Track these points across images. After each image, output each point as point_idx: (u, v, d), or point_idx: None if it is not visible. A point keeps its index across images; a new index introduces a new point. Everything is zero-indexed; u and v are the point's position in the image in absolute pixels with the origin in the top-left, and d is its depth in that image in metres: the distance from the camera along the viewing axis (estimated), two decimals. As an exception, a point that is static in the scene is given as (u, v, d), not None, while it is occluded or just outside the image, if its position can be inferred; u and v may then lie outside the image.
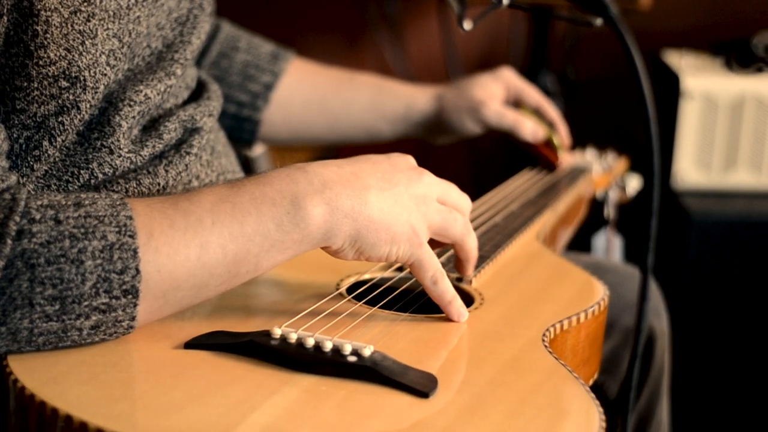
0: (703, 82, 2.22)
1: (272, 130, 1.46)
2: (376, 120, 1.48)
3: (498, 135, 1.50)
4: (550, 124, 1.52)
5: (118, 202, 0.85)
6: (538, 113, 1.52)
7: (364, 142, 1.51)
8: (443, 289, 0.96)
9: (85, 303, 0.82)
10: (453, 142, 1.56)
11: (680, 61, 2.35)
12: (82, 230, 0.82)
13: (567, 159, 1.52)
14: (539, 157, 1.50)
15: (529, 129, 1.47)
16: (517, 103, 1.51)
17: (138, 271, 0.83)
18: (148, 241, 0.84)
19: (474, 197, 1.32)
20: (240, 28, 1.50)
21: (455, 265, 1.04)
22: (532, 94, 1.51)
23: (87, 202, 0.84)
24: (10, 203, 0.82)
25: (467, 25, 1.19)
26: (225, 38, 1.42)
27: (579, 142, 1.55)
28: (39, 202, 0.83)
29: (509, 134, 1.48)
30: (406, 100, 1.48)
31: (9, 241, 0.80)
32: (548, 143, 1.49)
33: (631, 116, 2.64)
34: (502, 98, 1.50)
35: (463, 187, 1.01)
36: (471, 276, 1.05)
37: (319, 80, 1.48)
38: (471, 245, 1.01)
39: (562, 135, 1.52)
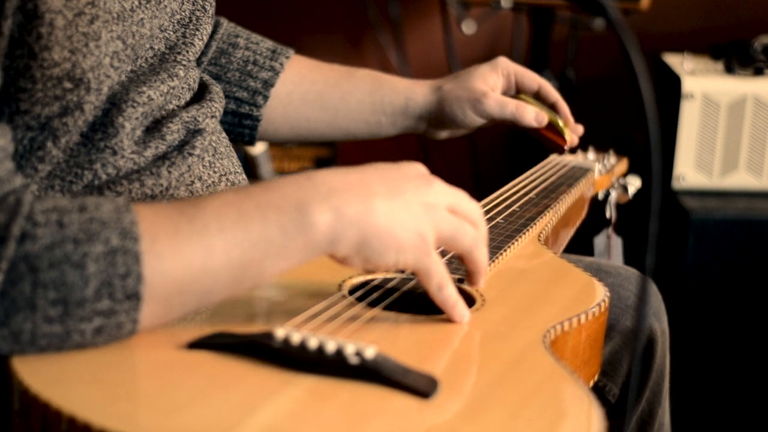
0: (703, 83, 2.22)
1: (272, 126, 1.45)
2: (376, 113, 1.47)
3: (500, 132, 1.49)
4: (552, 107, 1.50)
5: (122, 207, 0.85)
6: (538, 98, 1.50)
7: (365, 137, 1.50)
8: (448, 294, 0.96)
9: (88, 307, 0.82)
10: (453, 137, 1.55)
11: (681, 63, 2.35)
12: (86, 234, 0.82)
13: (574, 138, 1.51)
14: (546, 141, 1.49)
15: (532, 115, 1.45)
16: (517, 90, 1.51)
17: (141, 275, 0.83)
18: (152, 246, 0.84)
19: (475, 199, 1.32)
20: (241, 27, 1.49)
21: (465, 274, 1.03)
22: (531, 77, 1.50)
23: (91, 206, 0.84)
24: (14, 206, 0.82)
25: (467, 29, 1.19)
26: (224, 35, 1.42)
27: (580, 143, 1.54)
28: (43, 206, 0.83)
29: (513, 123, 1.46)
30: (406, 93, 1.47)
31: (12, 244, 0.80)
32: (552, 127, 1.48)
33: (633, 118, 2.64)
34: (501, 87, 1.49)
35: (464, 189, 1.00)
36: (480, 286, 1.04)
37: (317, 76, 1.47)
38: (480, 257, 0.99)
39: (565, 115, 1.51)
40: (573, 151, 1.58)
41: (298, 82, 1.45)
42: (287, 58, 1.46)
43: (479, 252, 0.99)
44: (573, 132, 1.51)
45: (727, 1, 2.79)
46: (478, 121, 1.46)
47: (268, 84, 1.42)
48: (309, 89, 1.46)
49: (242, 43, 1.42)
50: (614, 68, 2.80)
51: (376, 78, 1.49)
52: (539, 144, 1.51)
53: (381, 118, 1.47)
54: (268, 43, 1.45)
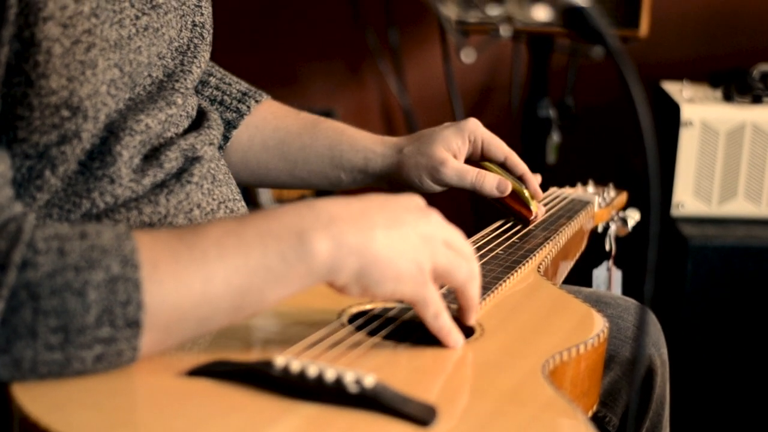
0: (702, 111, 2.23)
1: (232, 169, 1.39)
2: (336, 169, 1.43)
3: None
4: (520, 178, 1.43)
5: (123, 234, 0.85)
6: (504, 167, 1.44)
7: (327, 189, 1.47)
8: (443, 322, 0.96)
9: (89, 334, 0.82)
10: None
11: (680, 91, 2.36)
12: (87, 262, 0.82)
13: (541, 211, 1.44)
14: (511, 212, 1.42)
15: (494, 184, 1.39)
16: (482, 157, 1.43)
17: (141, 303, 0.83)
18: (153, 273, 0.84)
19: (475, 230, 1.32)
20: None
21: (457, 310, 1.03)
22: (498, 146, 1.43)
23: (92, 233, 0.84)
24: (15, 233, 0.82)
25: (467, 57, 1.19)
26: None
27: (579, 171, 1.55)
28: (44, 233, 0.83)
29: (473, 192, 1.40)
30: (365, 152, 1.42)
31: (13, 271, 0.80)
32: (517, 196, 1.41)
33: (632, 145, 2.65)
34: (465, 153, 1.42)
35: (465, 220, 1.01)
36: (471, 323, 1.03)
37: (281, 124, 1.44)
38: (473, 293, 1.00)
39: (532, 187, 1.44)
40: (543, 189, 1.51)
41: (261, 127, 1.43)
42: (257, 101, 1.43)
43: (472, 287, 0.99)
44: (536, 194, 1.44)
45: (726, 30, 2.80)
46: (435, 188, 1.41)
47: (231, 125, 1.40)
48: (271, 136, 1.43)
49: (213, 81, 1.41)
50: (613, 96, 2.81)
51: (339, 133, 1.44)
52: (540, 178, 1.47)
53: (340, 173, 1.43)
54: (241, 86, 1.43)
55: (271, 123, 1.43)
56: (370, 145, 1.43)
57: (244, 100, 1.41)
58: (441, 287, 1.01)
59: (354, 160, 1.42)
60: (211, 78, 1.41)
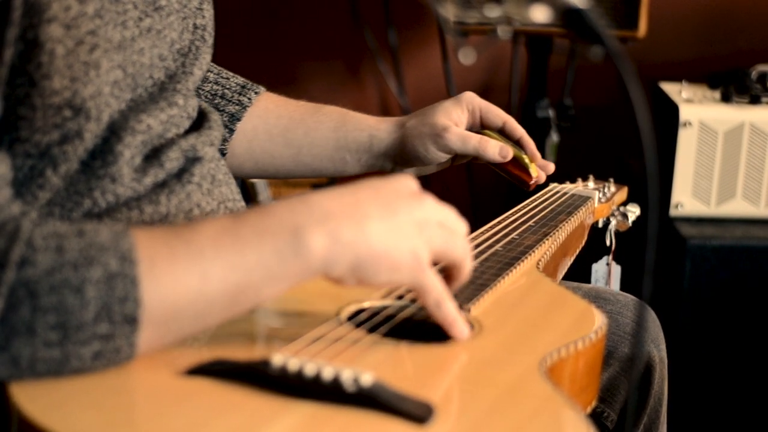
0: (700, 111, 2.23)
1: (236, 161, 1.44)
2: (340, 150, 1.46)
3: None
4: (518, 143, 1.49)
5: (120, 232, 0.86)
6: (503, 134, 1.49)
7: (330, 174, 1.49)
8: (447, 311, 0.97)
9: (87, 331, 0.82)
10: (422, 174, 1.52)
11: (678, 92, 2.36)
12: (85, 259, 0.83)
13: (541, 175, 1.49)
14: (512, 177, 1.47)
15: (496, 150, 1.44)
16: (482, 126, 1.49)
17: (139, 299, 0.84)
18: (150, 270, 0.85)
19: (474, 227, 1.33)
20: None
21: (447, 281, 1.03)
22: (496, 113, 1.48)
23: (90, 231, 0.85)
24: (13, 231, 0.82)
25: (466, 58, 1.19)
26: None
27: (578, 171, 1.55)
28: (42, 231, 0.83)
29: (477, 157, 1.45)
30: (370, 130, 1.45)
31: (12, 269, 0.81)
32: (518, 162, 1.46)
33: (630, 146, 2.65)
34: (465, 123, 1.47)
35: (463, 218, 1.01)
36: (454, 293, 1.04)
37: (283, 111, 1.46)
38: (465, 270, 1.01)
39: (531, 151, 1.49)
40: (543, 185, 1.56)
41: (263, 116, 1.45)
42: (256, 93, 1.46)
43: (465, 265, 1.00)
44: (543, 169, 1.50)
45: (725, 31, 2.80)
46: (441, 156, 1.45)
47: (235, 118, 1.41)
48: (274, 124, 1.45)
49: (212, 77, 1.42)
50: (612, 97, 2.81)
51: (342, 115, 1.47)
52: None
53: (345, 155, 1.46)
54: (239, 79, 1.45)
55: (273, 112, 1.45)
56: (373, 124, 1.46)
57: (245, 93, 1.43)
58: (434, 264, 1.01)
59: (359, 138, 1.45)
60: (209, 74, 1.42)
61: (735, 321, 2.19)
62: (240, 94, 1.42)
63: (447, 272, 1.02)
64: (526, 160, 1.47)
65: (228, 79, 1.44)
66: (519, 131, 1.49)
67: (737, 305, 2.19)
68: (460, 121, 1.46)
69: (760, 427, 2.20)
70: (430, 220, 0.95)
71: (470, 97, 1.48)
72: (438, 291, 0.96)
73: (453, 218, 0.99)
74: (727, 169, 2.24)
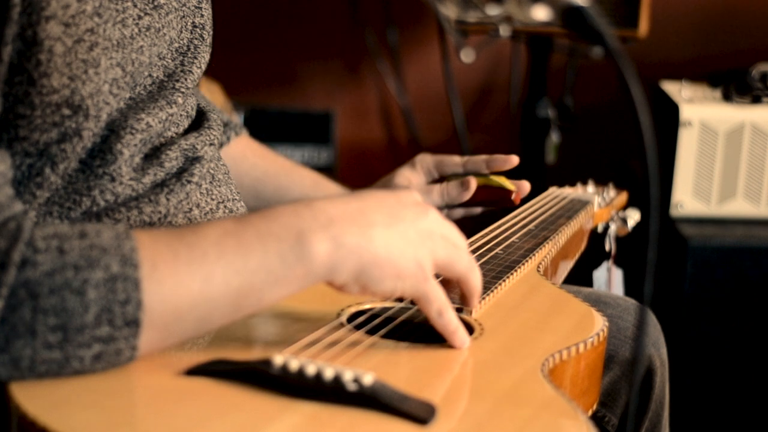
0: (701, 111, 2.23)
1: None
2: None
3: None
4: (484, 175, 1.44)
5: (122, 234, 0.85)
6: (469, 173, 1.45)
7: None
8: (448, 320, 0.97)
9: (88, 333, 0.82)
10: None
11: (679, 91, 2.36)
12: (87, 261, 0.82)
13: (523, 186, 1.44)
14: (495, 203, 1.44)
15: (456, 187, 1.42)
16: (442, 178, 1.47)
17: (140, 302, 0.83)
18: (152, 272, 0.84)
19: (475, 231, 1.33)
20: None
21: (460, 298, 1.04)
22: (451, 161, 1.46)
23: (92, 232, 0.85)
24: (14, 232, 0.82)
25: (466, 57, 1.19)
26: None
27: (578, 171, 1.54)
28: (44, 232, 0.83)
29: (449, 205, 1.44)
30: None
31: (13, 270, 0.80)
32: (489, 187, 1.43)
33: (631, 145, 2.65)
34: (423, 182, 1.46)
35: (463, 221, 1.01)
36: (476, 308, 1.05)
37: (259, 162, 1.46)
38: (476, 281, 1.01)
39: (499, 163, 1.44)
40: (542, 189, 1.54)
41: (239, 161, 1.45)
42: (236, 134, 1.45)
43: (474, 275, 1.00)
44: (517, 187, 1.44)
45: (725, 30, 2.80)
46: None
47: None
48: (247, 172, 1.45)
49: (202, 103, 1.41)
50: (612, 96, 2.81)
51: (315, 182, 1.48)
52: (540, 178, 1.49)
53: None
54: (224, 116, 1.44)
55: (249, 159, 1.46)
56: (343, 193, 1.45)
57: (225, 131, 1.44)
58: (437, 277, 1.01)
59: None
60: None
61: (736, 321, 2.19)
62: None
63: (449, 285, 1.02)
64: (497, 180, 1.43)
65: (213, 111, 1.43)
66: (479, 158, 1.46)
67: (738, 305, 2.19)
68: (417, 182, 1.46)
69: (762, 429, 2.20)
70: (434, 231, 0.96)
71: (422, 158, 1.47)
72: (440, 300, 0.96)
73: (455, 233, 0.99)
74: (727, 168, 2.24)
